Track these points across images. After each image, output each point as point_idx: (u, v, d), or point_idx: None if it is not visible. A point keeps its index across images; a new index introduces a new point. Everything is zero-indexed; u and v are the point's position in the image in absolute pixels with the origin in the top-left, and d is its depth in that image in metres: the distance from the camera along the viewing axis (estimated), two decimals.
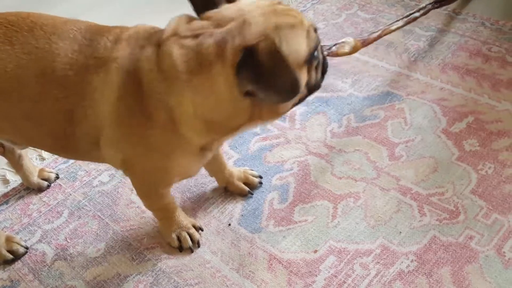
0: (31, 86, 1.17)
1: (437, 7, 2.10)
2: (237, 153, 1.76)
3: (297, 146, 1.77)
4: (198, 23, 1.09)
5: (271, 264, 1.43)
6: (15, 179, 1.75)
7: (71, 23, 1.22)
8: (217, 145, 1.32)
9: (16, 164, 1.64)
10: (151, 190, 1.37)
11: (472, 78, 1.93)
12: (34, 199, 1.68)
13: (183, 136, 1.15)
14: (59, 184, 1.72)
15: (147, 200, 1.43)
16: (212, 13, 1.10)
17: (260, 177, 1.65)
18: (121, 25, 1.24)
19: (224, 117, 1.12)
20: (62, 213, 1.63)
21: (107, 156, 1.25)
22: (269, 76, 1.01)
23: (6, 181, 1.76)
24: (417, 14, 1.95)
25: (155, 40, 1.13)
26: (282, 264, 1.43)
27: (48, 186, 1.71)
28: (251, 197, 1.61)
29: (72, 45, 1.17)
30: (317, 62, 1.17)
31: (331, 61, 2.11)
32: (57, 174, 1.74)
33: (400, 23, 1.86)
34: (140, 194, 1.40)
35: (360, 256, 1.42)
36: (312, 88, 1.22)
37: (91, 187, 1.70)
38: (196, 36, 1.06)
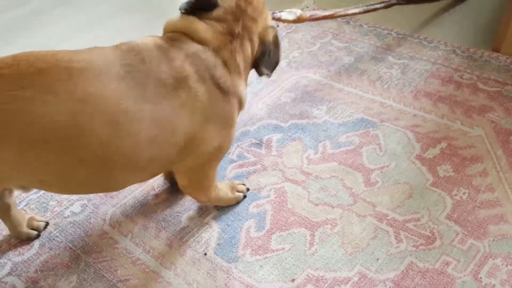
0: (97, 132, 1.12)
1: (402, 3, 2.06)
2: None
3: (273, 173, 1.76)
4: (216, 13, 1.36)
5: None
6: None
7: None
8: None
9: (4, 214, 1.53)
10: (214, 174, 1.53)
11: (444, 105, 1.97)
12: (4, 230, 1.63)
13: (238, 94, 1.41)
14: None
15: (211, 189, 1.55)
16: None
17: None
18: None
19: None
20: (33, 245, 1.59)
21: (202, 149, 1.36)
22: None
23: None
24: (378, 6, 1.93)
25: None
26: None
27: (38, 236, 1.60)
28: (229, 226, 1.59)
29: (126, 79, 1.18)
30: None
31: (306, 89, 2.13)
32: (47, 222, 1.64)
33: (357, 10, 1.85)
34: (210, 186, 1.54)
35: (338, 284, 1.41)
36: None
37: (63, 217, 1.66)
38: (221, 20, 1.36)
